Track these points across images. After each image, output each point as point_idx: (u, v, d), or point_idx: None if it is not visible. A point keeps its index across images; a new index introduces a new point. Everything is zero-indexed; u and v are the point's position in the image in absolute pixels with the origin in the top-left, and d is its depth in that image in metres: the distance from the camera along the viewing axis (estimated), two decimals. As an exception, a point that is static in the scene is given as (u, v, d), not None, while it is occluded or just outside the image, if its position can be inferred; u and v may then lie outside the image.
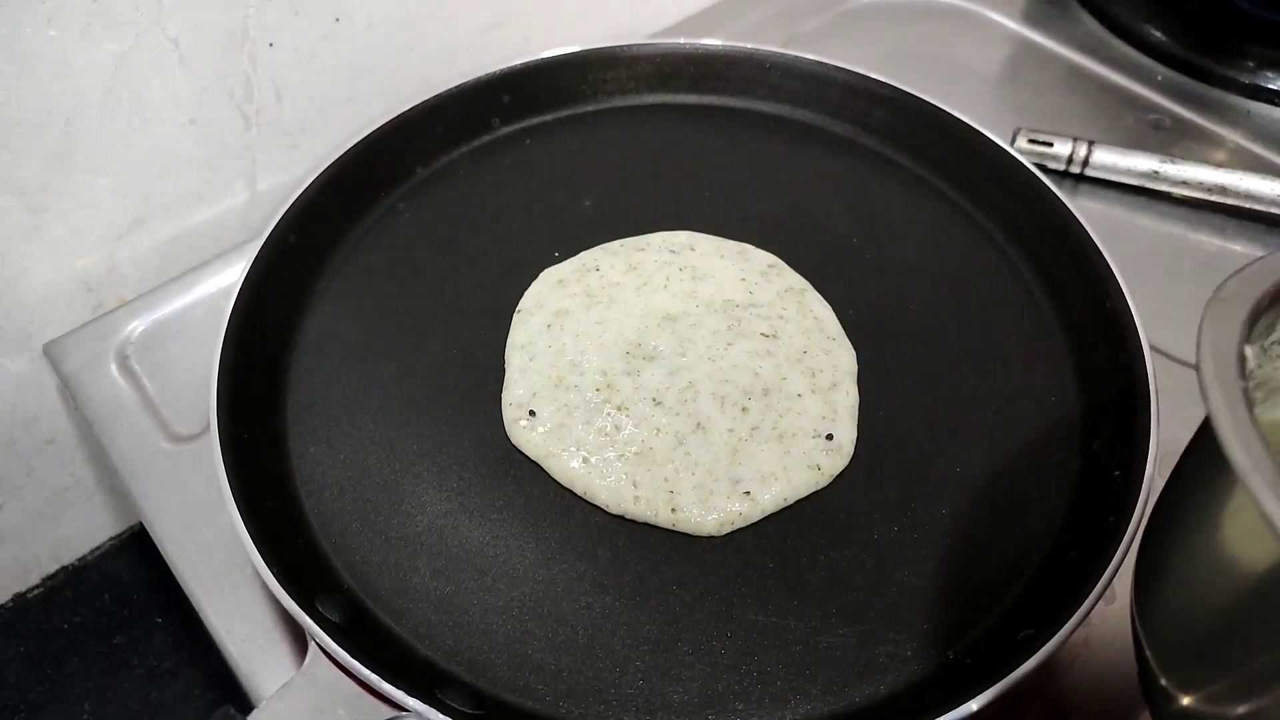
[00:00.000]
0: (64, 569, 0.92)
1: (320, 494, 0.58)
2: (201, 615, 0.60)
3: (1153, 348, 0.70)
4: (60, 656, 0.88)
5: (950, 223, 0.72)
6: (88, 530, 0.92)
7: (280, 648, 0.59)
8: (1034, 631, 0.49)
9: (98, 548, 0.93)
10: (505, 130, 0.77)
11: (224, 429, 0.56)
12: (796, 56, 0.78)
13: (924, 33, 1.00)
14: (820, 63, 0.78)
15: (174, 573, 0.62)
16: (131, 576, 0.91)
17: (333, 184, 0.69)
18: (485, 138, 0.77)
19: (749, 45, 0.79)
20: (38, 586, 0.91)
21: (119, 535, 0.93)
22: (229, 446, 0.55)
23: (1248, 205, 0.78)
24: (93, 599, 0.91)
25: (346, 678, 0.47)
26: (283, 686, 0.47)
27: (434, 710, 0.45)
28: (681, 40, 0.79)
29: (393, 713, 0.46)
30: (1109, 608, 0.59)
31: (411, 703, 0.46)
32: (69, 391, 0.72)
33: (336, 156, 0.70)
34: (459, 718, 0.46)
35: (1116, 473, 0.55)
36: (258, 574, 0.52)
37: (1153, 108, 0.91)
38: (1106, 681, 0.56)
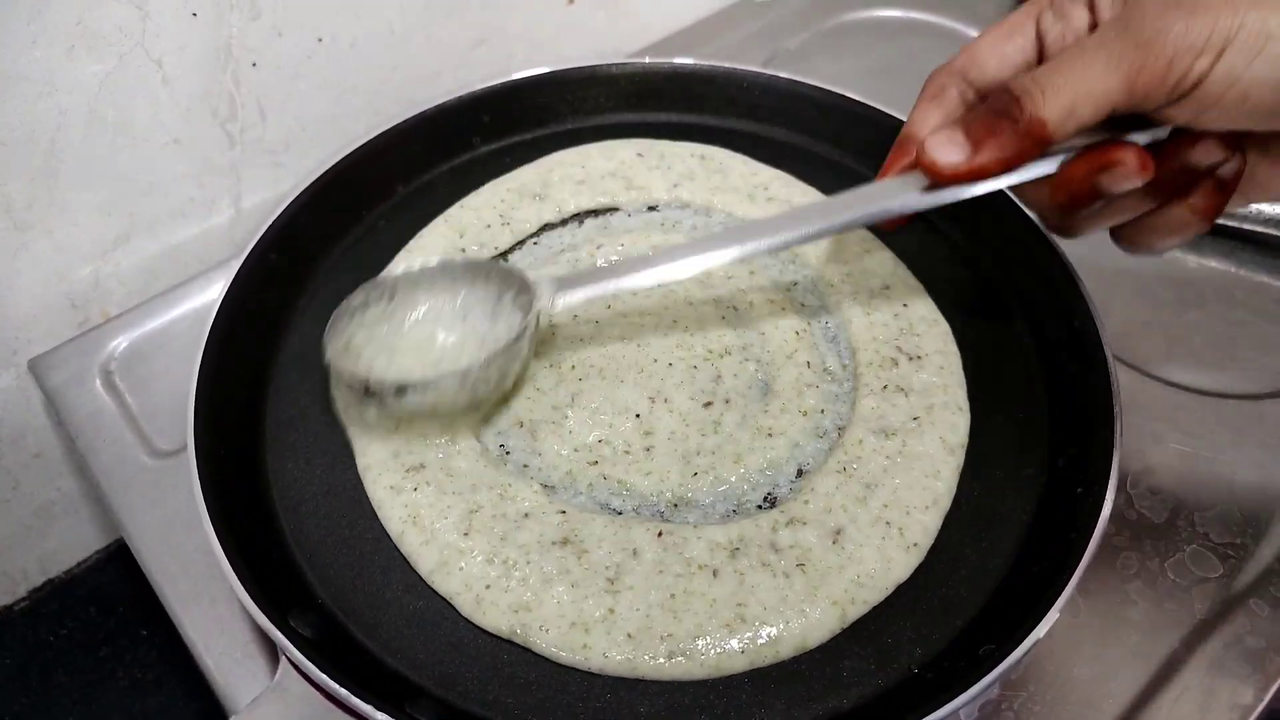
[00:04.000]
0: (50, 582, 0.93)
1: (297, 509, 0.59)
2: (179, 628, 0.61)
3: (1123, 362, 0.71)
4: (46, 669, 0.88)
5: (925, 240, 0.73)
6: (74, 544, 0.93)
7: (257, 661, 0.60)
8: (995, 646, 0.49)
9: (84, 561, 0.94)
10: (486, 149, 0.78)
11: (201, 445, 0.57)
12: (773, 75, 0.79)
13: (905, 49, 1.01)
14: (797, 81, 0.79)
15: (153, 586, 0.63)
16: (117, 590, 0.92)
17: (314, 202, 0.70)
18: (466, 156, 0.78)
19: (726, 64, 0.80)
20: (24, 599, 0.92)
21: (105, 549, 0.94)
22: (206, 462, 0.56)
23: (1223, 222, 0.79)
24: (79, 611, 0.91)
25: (316, 692, 0.48)
26: (252, 701, 0.48)
27: (402, 724, 0.46)
28: (659, 59, 0.80)
29: (360, 726, 0.47)
30: (1075, 620, 0.60)
31: (380, 717, 0.46)
32: (53, 406, 0.73)
33: (318, 175, 0.71)
34: (427, 732, 0.46)
35: (1079, 489, 0.56)
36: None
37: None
38: (1072, 692, 0.57)
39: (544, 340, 0.65)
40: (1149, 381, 0.71)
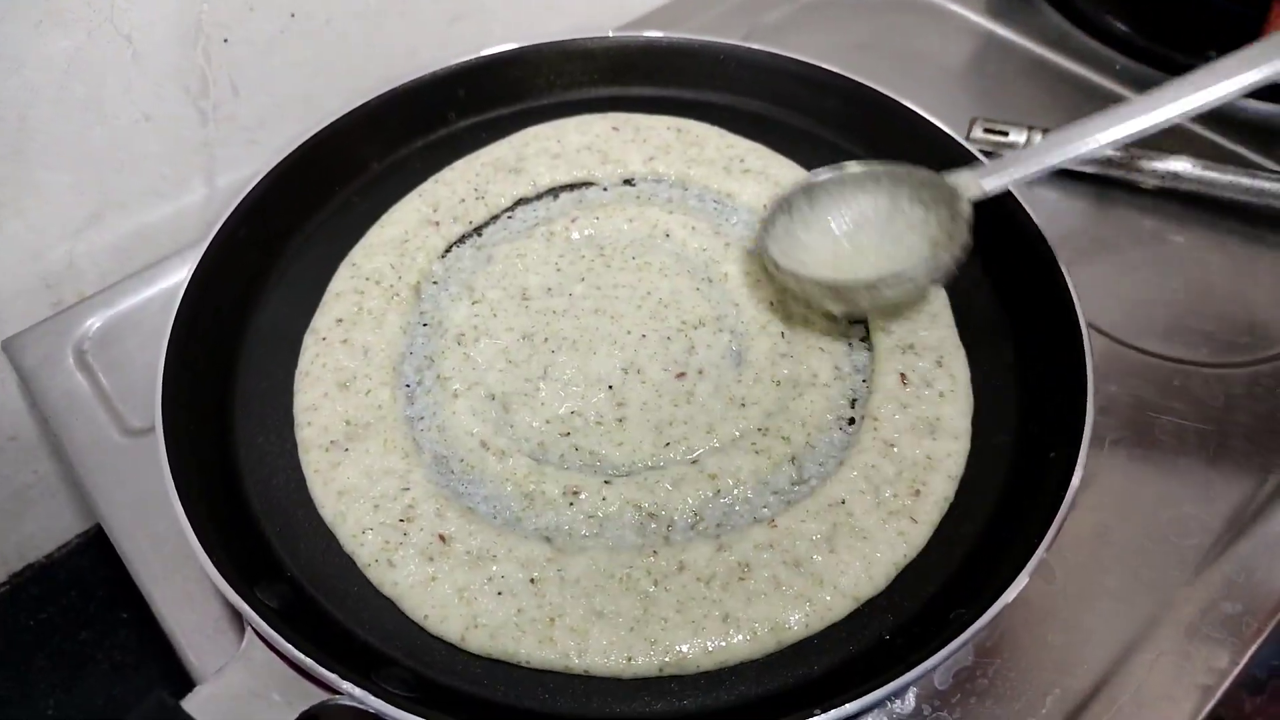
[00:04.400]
0: (30, 566, 0.92)
1: (268, 483, 0.59)
2: (151, 604, 0.61)
3: (1098, 330, 0.71)
4: (26, 652, 0.88)
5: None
6: (53, 528, 0.92)
7: (228, 636, 0.59)
8: (965, 611, 0.49)
9: (64, 545, 0.93)
10: (461, 124, 0.78)
11: (170, 420, 0.56)
12: (749, 48, 0.78)
13: (887, 24, 1.01)
14: (773, 54, 0.78)
15: (125, 562, 0.63)
16: (97, 573, 0.91)
17: (286, 178, 0.70)
18: (441, 131, 0.77)
19: (702, 37, 0.79)
20: (4, 584, 0.91)
21: (85, 533, 0.94)
22: (174, 437, 0.56)
23: (1201, 192, 0.79)
24: (59, 595, 0.91)
25: (281, 662, 0.47)
26: (217, 671, 0.47)
27: (367, 693, 0.46)
28: (635, 33, 0.79)
29: (327, 695, 0.47)
30: (1050, 587, 0.60)
31: (345, 685, 0.46)
32: (28, 387, 0.73)
33: (290, 150, 0.70)
34: (393, 700, 0.46)
35: (1051, 454, 0.55)
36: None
37: (1111, 97, 0.91)
38: (1047, 658, 0.57)
39: (516, 313, 0.65)
40: (1126, 350, 0.71)
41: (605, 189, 0.74)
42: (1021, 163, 0.63)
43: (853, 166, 0.65)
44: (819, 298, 0.62)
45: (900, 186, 0.64)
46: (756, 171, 0.74)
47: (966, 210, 0.61)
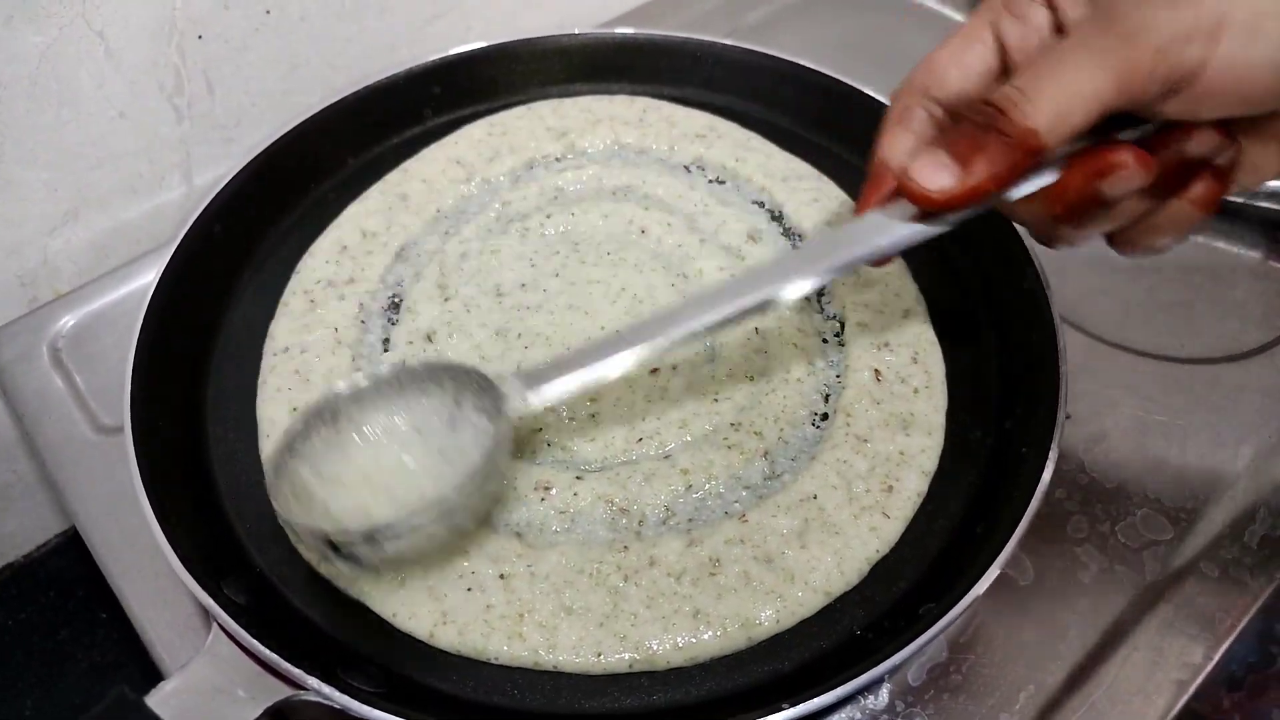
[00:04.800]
0: (9, 566, 0.92)
1: (238, 478, 0.59)
2: (122, 600, 0.60)
3: (1077, 328, 0.71)
4: (4, 652, 0.88)
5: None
6: (32, 527, 0.92)
7: (199, 634, 0.59)
8: (935, 605, 0.49)
9: (43, 545, 0.93)
10: (437, 121, 0.78)
11: (139, 417, 0.56)
12: (727, 45, 0.78)
13: (869, 24, 1.01)
14: (752, 51, 0.78)
15: (97, 559, 0.62)
16: (75, 573, 0.91)
17: (261, 174, 0.70)
18: (417, 129, 0.77)
19: (680, 35, 0.79)
20: (-17, 583, 0.91)
21: (64, 533, 0.93)
22: (143, 434, 0.55)
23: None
24: (38, 595, 0.91)
25: (247, 657, 0.47)
26: (181, 667, 0.47)
27: (333, 688, 0.45)
28: (610, 30, 0.79)
29: (292, 691, 0.46)
30: (1024, 583, 0.60)
31: (311, 681, 0.46)
32: (2, 385, 0.72)
33: (265, 147, 0.70)
34: (359, 696, 0.46)
35: (1024, 449, 0.55)
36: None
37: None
38: (1021, 654, 0.57)
39: (489, 309, 0.65)
40: (1103, 347, 0.71)
41: (579, 183, 0.73)
42: (567, 373, 0.50)
43: (403, 367, 0.52)
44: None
45: (464, 392, 0.52)
46: (726, 136, 0.75)
47: (505, 430, 0.50)
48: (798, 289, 0.48)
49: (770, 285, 0.48)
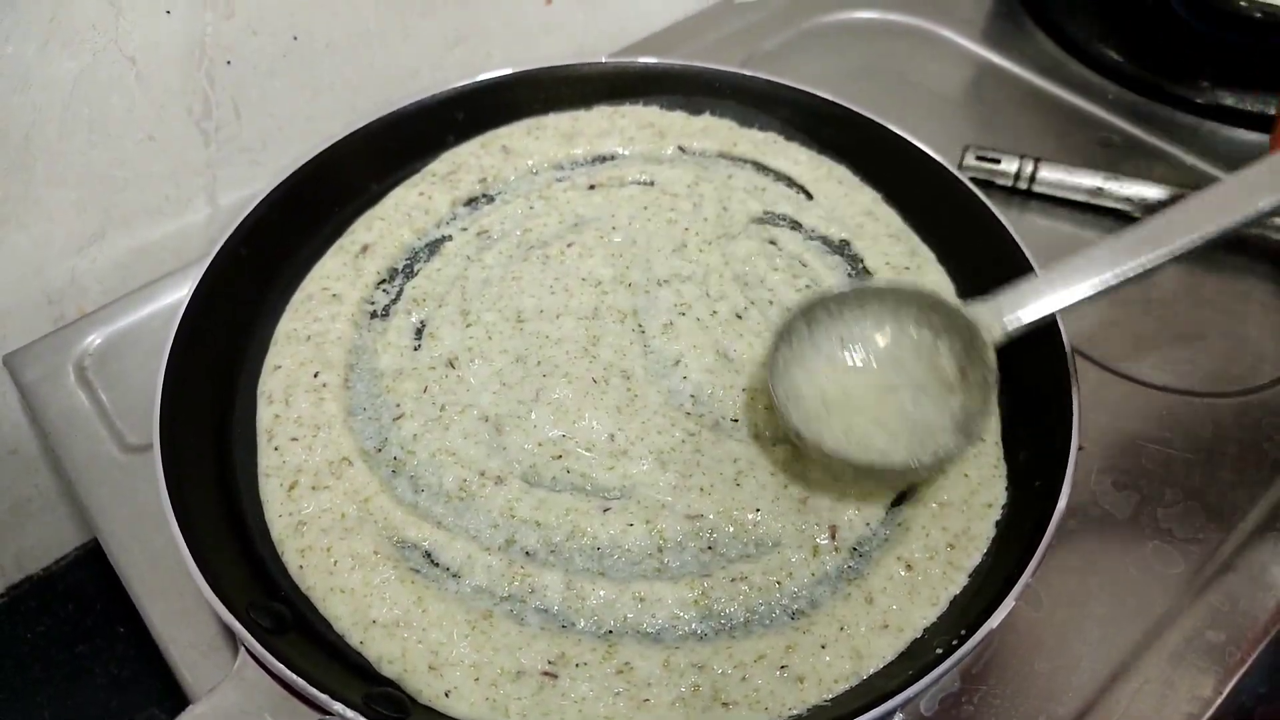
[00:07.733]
0: (29, 578, 0.93)
1: (263, 499, 0.59)
2: (147, 621, 0.61)
3: (1091, 360, 0.71)
4: (23, 664, 0.89)
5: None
6: (52, 540, 0.93)
7: (223, 654, 0.60)
8: (949, 637, 0.50)
9: (62, 558, 0.94)
10: (460, 147, 0.78)
11: (167, 438, 0.57)
12: (743, 74, 0.79)
13: (883, 51, 1.02)
14: (770, 81, 0.79)
15: (121, 578, 0.63)
16: (95, 586, 0.92)
17: (287, 198, 0.71)
18: (440, 154, 0.78)
19: (697, 63, 0.80)
20: (2, 596, 0.92)
21: (83, 545, 0.94)
22: (172, 455, 0.56)
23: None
24: (56, 608, 0.91)
25: (274, 682, 0.48)
26: (210, 691, 0.48)
27: (359, 714, 0.46)
28: (631, 59, 0.80)
29: (319, 716, 0.47)
30: (1037, 615, 0.60)
31: (336, 706, 0.46)
32: (28, 402, 0.73)
33: (291, 172, 0.71)
34: (383, 721, 0.47)
35: (1038, 481, 0.56)
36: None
37: (1103, 125, 0.92)
38: (1033, 685, 0.57)
39: (510, 335, 0.66)
40: (1116, 379, 0.72)
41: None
42: (1047, 293, 0.58)
43: (855, 285, 0.62)
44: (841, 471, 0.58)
45: (906, 307, 0.60)
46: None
47: (990, 358, 0.57)
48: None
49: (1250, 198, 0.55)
